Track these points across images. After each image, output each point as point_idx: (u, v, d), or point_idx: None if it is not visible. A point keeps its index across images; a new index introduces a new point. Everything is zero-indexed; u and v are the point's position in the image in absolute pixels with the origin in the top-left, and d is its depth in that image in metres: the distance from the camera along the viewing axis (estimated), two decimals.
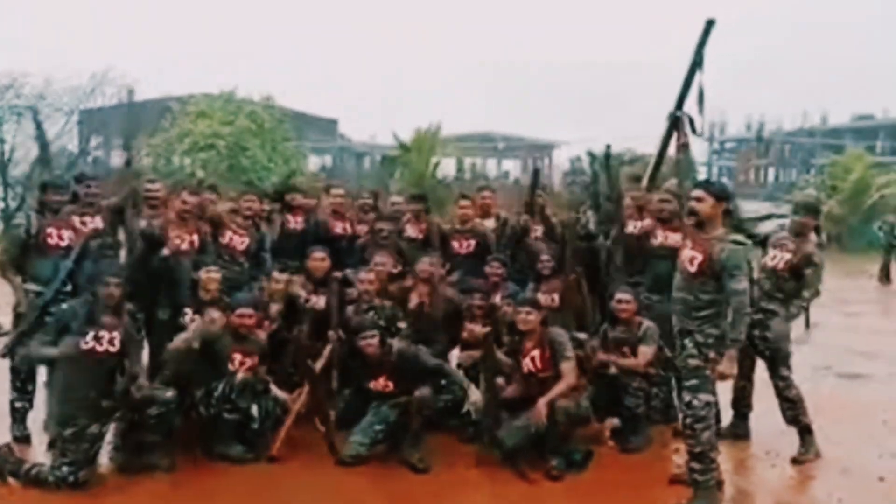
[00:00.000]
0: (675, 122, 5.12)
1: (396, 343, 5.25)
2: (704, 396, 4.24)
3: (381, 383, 5.16)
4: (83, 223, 5.48)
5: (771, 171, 51.51)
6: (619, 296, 5.38)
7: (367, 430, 5.05)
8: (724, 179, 50.06)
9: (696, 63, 5.11)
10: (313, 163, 29.08)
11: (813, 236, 5.24)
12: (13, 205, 25.84)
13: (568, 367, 4.92)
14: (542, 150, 51.09)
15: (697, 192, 4.25)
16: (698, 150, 51.49)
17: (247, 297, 5.24)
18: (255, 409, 5.06)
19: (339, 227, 6.66)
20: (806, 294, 5.13)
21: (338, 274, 6.00)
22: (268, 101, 23.95)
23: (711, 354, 4.21)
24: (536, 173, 7.30)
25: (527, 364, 5.04)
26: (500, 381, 5.15)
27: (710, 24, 5.06)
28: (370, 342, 5.10)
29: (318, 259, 5.93)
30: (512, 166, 46.67)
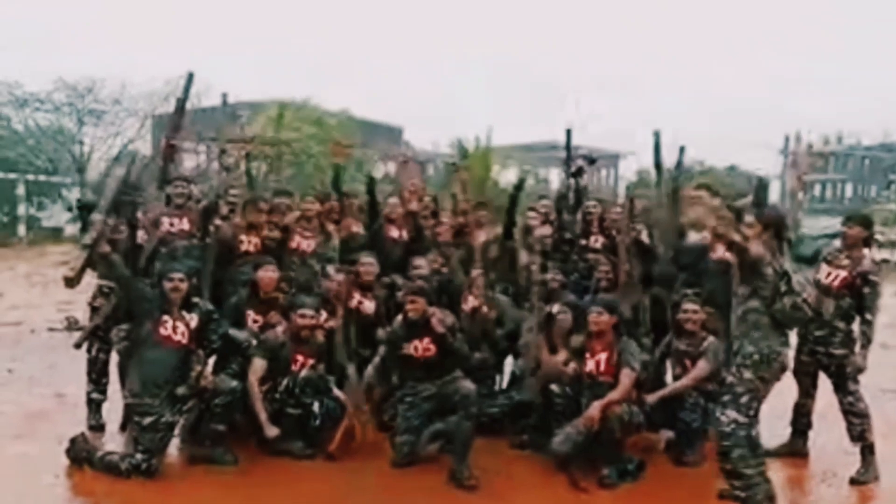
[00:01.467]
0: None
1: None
2: (731, 413, 4.22)
3: (423, 345, 5.15)
4: (171, 224, 5.70)
5: (849, 187, 49.95)
6: (686, 306, 5.40)
7: (409, 427, 5.14)
8: (800, 194, 48.79)
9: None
10: (380, 170, 29.46)
11: (866, 250, 5.14)
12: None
13: (627, 375, 4.94)
14: (607, 161, 50.60)
15: (749, 219, 4.30)
16: (773, 163, 50.32)
17: (308, 300, 5.39)
18: (316, 407, 5.21)
19: (394, 233, 6.78)
20: (868, 316, 4.99)
21: (385, 279, 6.18)
22: (343, 112, 24.37)
23: (747, 374, 4.22)
24: (580, 171, 7.23)
25: (591, 365, 5.07)
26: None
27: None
28: (417, 304, 5.13)
29: (367, 264, 6.08)
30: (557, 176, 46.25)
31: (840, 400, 5.13)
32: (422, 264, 6.19)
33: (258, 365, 5.10)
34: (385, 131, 35.15)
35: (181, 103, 6.46)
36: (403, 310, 5.24)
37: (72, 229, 27.23)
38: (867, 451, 5.08)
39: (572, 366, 5.18)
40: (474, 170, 22.67)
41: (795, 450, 5.45)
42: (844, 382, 5.09)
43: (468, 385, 5.06)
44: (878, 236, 5.65)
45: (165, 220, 5.69)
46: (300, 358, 5.21)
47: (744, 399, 4.23)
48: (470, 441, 4.91)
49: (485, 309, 5.92)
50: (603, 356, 5.05)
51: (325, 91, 44.97)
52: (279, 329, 5.31)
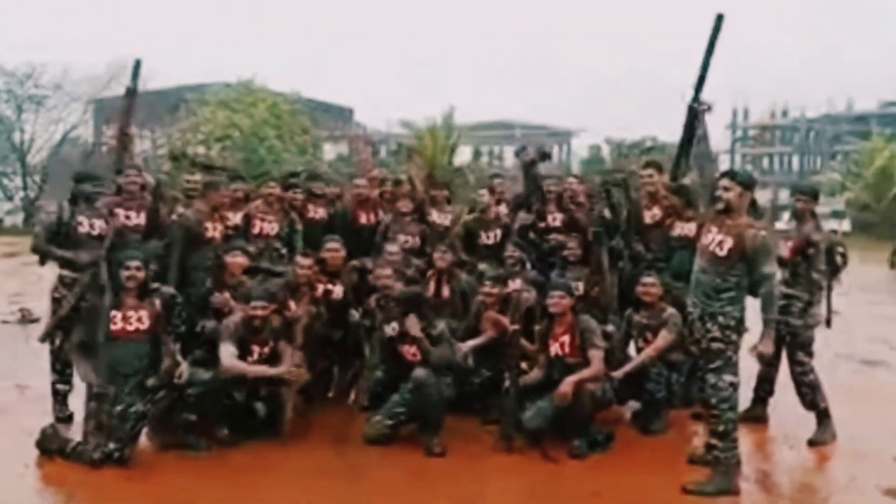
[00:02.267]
0: (694, 113, 5.21)
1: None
2: (728, 377, 4.40)
3: (412, 350, 5.29)
4: (127, 217, 5.61)
5: (795, 159, 51.05)
6: (644, 280, 5.52)
7: (390, 411, 5.21)
8: (748, 167, 49.84)
9: (708, 56, 5.21)
10: (328, 151, 29.19)
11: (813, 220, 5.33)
12: (32, 194, 26.23)
13: (596, 355, 5.04)
14: (560, 138, 50.99)
15: (725, 182, 4.44)
16: (721, 137, 51.23)
17: (261, 290, 5.31)
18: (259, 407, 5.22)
19: (363, 218, 6.81)
20: (815, 275, 5.21)
21: (354, 263, 6.19)
22: (292, 92, 24.05)
23: (734, 336, 4.39)
24: (543, 158, 7.31)
25: (555, 348, 5.16)
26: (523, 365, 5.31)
27: (719, 18, 5.17)
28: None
29: (333, 250, 6.05)
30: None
31: (791, 370, 5.32)
32: (395, 249, 6.24)
33: (229, 347, 5.02)
34: (336, 112, 34.80)
35: (132, 91, 6.36)
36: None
37: (12, 220, 26.63)
38: (822, 415, 5.28)
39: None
40: (428, 149, 22.68)
41: (755, 415, 5.63)
42: (795, 352, 5.27)
43: (419, 372, 5.11)
44: (824, 207, 5.85)
45: (120, 213, 5.61)
46: (256, 348, 5.16)
47: (734, 360, 4.41)
48: (434, 413, 5.07)
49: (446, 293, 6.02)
50: (566, 338, 5.14)
51: (268, 72, 43.98)
52: (237, 316, 5.25)
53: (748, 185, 4.48)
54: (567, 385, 4.89)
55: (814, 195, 5.46)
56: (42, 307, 7.22)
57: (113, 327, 4.80)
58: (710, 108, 5.07)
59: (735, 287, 4.38)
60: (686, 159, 6.04)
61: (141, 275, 4.91)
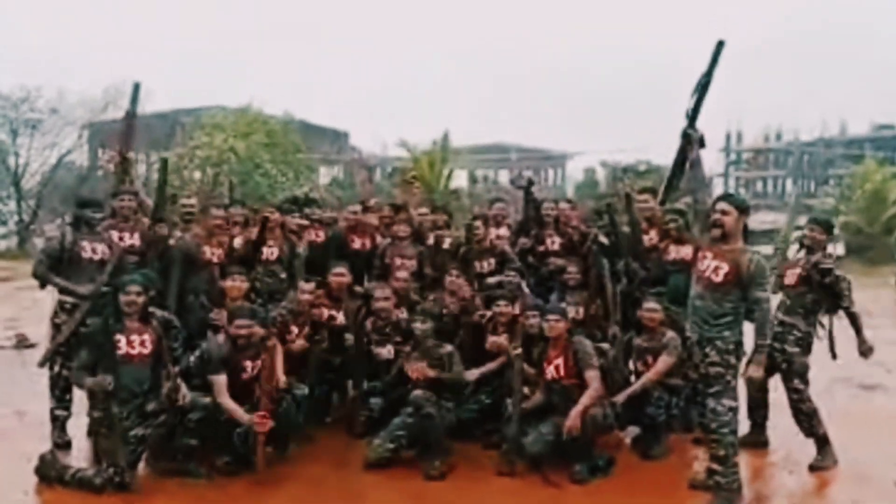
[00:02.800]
0: (688, 139, 5.25)
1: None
2: (728, 402, 4.41)
3: (416, 367, 5.35)
4: (121, 238, 5.65)
5: (789, 182, 51.29)
6: (646, 305, 5.54)
7: (391, 435, 5.21)
8: (742, 190, 50.09)
9: (706, 83, 5.24)
10: (323, 175, 29.18)
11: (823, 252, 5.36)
12: (26, 218, 26.12)
13: (593, 376, 5.06)
14: (555, 161, 51.19)
15: (723, 206, 4.46)
16: (714, 159, 51.50)
17: (244, 309, 5.30)
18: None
19: (357, 243, 6.82)
20: (845, 303, 5.23)
21: (359, 289, 6.20)
22: (287, 116, 24.11)
23: (732, 360, 4.41)
24: (530, 185, 7.28)
25: (550, 371, 5.18)
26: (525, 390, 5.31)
27: (720, 45, 5.20)
28: (423, 326, 5.45)
29: (338, 274, 6.07)
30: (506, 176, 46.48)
31: (789, 397, 5.31)
32: (404, 276, 6.28)
33: (221, 381, 4.99)
34: (330, 135, 34.86)
35: (130, 114, 6.40)
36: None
37: (6, 244, 26.52)
38: (822, 441, 5.27)
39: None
40: (423, 172, 22.70)
41: (756, 440, 5.62)
42: (791, 380, 5.27)
43: (417, 394, 5.15)
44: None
45: (114, 234, 5.63)
46: (248, 364, 5.12)
47: (733, 384, 4.44)
48: (433, 436, 5.10)
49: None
50: (560, 361, 5.15)
51: (263, 95, 44.07)
52: (219, 338, 5.25)
53: (745, 209, 4.51)
54: (574, 418, 4.89)
55: (829, 228, 5.47)
56: (38, 332, 7.21)
57: (118, 352, 4.78)
58: (703, 142, 5.08)
59: (732, 312, 4.41)
60: (677, 183, 6.09)
61: (141, 300, 4.91)
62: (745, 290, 4.35)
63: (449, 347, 5.48)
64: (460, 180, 28.36)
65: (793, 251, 5.62)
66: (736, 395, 4.49)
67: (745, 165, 55.43)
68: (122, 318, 4.87)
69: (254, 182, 21.04)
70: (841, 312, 5.32)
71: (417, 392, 5.15)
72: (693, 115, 5.25)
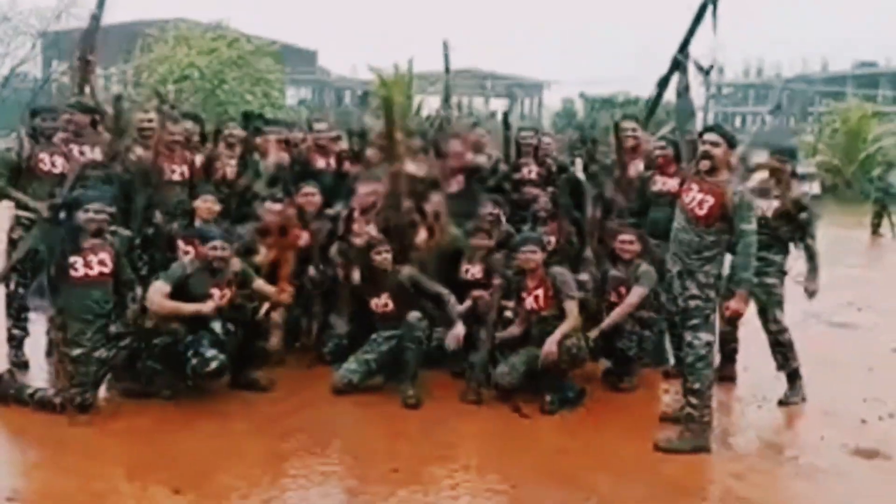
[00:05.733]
0: (677, 65, 5.06)
1: (407, 268, 5.36)
2: (705, 336, 4.37)
3: (381, 301, 5.27)
4: (81, 153, 5.41)
5: (768, 119, 51.16)
6: (622, 237, 5.43)
7: (360, 359, 5.16)
8: (723, 124, 49.94)
9: (705, 5, 5.03)
10: (291, 95, 28.40)
11: (794, 181, 5.28)
12: None
13: (572, 306, 4.98)
14: (530, 90, 50.39)
15: (713, 137, 4.34)
16: (695, 94, 51.16)
17: (217, 230, 5.11)
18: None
19: (321, 163, 6.55)
20: (810, 241, 5.20)
21: (330, 211, 6.00)
22: (260, 39, 23.35)
23: (712, 294, 4.35)
24: (506, 116, 7.13)
25: (530, 302, 5.09)
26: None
27: None
28: (384, 256, 5.27)
29: (309, 194, 5.88)
30: (500, 106, 45.68)
31: (766, 329, 5.28)
32: (367, 189, 5.98)
33: (160, 285, 4.75)
34: (298, 54, 33.86)
35: (96, 19, 6.07)
36: (367, 260, 5.31)
37: None
38: (793, 375, 5.27)
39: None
40: (395, 97, 22.10)
41: (725, 375, 5.61)
42: (772, 311, 5.24)
43: (412, 313, 5.07)
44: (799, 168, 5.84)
45: (74, 148, 5.38)
46: (216, 291, 4.93)
47: (711, 319, 4.38)
48: (414, 362, 5.03)
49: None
50: (539, 292, 5.06)
51: (230, 11, 42.13)
52: (186, 259, 5.06)
53: (734, 142, 4.41)
54: (551, 345, 4.84)
55: (792, 155, 5.41)
56: None
57: (74, 273, 4.57)
58: (704, 68, 4.90)
59: (714, 246, 4.33)
60: (655, 108, 5.93)
61: (101, 217, 4.69)
62: (729, 223, 4.26)
63: (407, 270, 5.34)
64: (433, 106, 27.74)
65: (755, 181, 5.48)
66: (713, 329, 4.44)
67: (725, 101, 55.14)
68: (79, 236, 4.64)
69: (216, 100, 20.39)
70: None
71: (414, 313, 5.05)
72: (685, 41, 5.06)
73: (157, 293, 4.72)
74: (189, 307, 4.75)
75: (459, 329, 5.18)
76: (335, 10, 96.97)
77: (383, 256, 5.28)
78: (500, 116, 7.05)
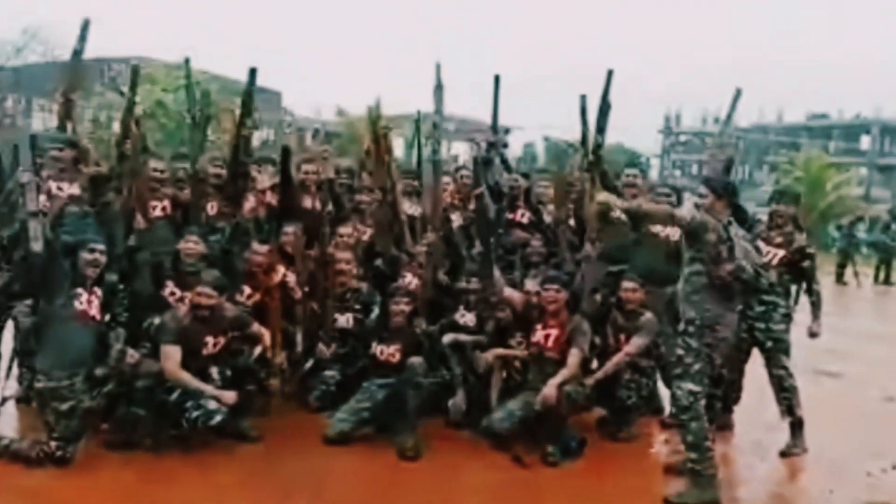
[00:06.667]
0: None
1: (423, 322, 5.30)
2: (687, 386, 4.23)
3: (390, 350, 5.11)
4: (60, 188, 5.19)
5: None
6: (625, 283, 5.33)
7: (353, 408, 4.98)
8: (677, 172, 50.82)
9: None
10: (255, 137, 28.16)
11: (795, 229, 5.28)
12: None
13: (575, 356, 4.88)
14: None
15: (702, 190, 4.33)
16: (653, 140, 52.20)
17: (209, 276, 4.89)
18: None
19: (307, 203, 6.38)
20: (815, 286, 5.22)
21: (311, 252, 5.83)
22: (219, 77, 23.18)
23: (693, 343, 4.22)
24: (488, 161, 6.84)
25: (539, 336, 5.01)
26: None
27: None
28: (403, 308, 5.14)
29: (291, 234, 5.72)
30: (463, 150, 45.65)
31: (772, 375, 5.21)
32: (346, 232, 5.92)
33: (171, 350, 4.58)
34: (262, 95, 33.71)
35: (78, 53, 5.90)
36: (386, 309, 5.21)
37: None
38: (796, 425, 5.19)
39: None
40: (363, 138, 21.96)
41: (723, 424, 5.49)
42: (778, 358, 5.18)
43: (414, 358, 4.93)
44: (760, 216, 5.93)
45: (52, 185, 5.17)
46: (209, 339, 4.74)
47: (696, 368, 4.23)
48: (415, 410, 4.85)
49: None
50: (554, 332, 4.97)
51: (197, 51, 41.89)
52: (181, 309, 4.84)
53: (720, 193, 4.34)
54: (551, 388, 4.72)
55: (796, 201, 5.42)
56: None
57: (78, 306, 4.35)
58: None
59: (689, 289, 4.24)
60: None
61: (103, 259, 4.51)
62: (703, 264, 4.17)
63: (423, 325, 5.25)
64: (398, 149, 27.71)
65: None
66: (697, 377, 4.23)
67: (681, 148, 56.20)
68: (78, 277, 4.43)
69: (177, 138, 20.10)
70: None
71: (415, 359, 4.90)
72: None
73: (171, 361, 4.55)
74: (199, 385, 4.56)
75: (460, 399, 5.15)
76: (299, 52, 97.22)
77: (402, 308, 5.15)
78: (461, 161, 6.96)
